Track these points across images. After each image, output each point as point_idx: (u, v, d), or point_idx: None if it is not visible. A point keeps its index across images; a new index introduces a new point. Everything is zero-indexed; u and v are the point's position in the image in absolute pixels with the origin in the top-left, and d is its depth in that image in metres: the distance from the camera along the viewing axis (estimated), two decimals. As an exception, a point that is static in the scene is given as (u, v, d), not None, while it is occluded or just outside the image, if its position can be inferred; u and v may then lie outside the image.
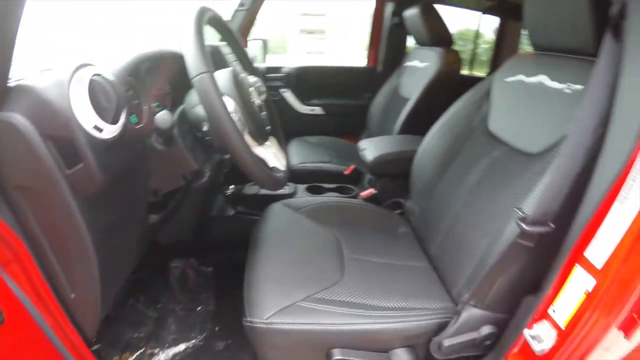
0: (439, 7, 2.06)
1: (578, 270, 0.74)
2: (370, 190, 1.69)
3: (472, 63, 3.07)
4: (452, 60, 1.94)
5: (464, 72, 2.93)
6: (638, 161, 0.66)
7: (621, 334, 0.76)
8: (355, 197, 1.79)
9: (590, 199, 0.73)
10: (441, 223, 1.18)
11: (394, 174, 1.65)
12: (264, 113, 1.12)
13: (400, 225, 1.37)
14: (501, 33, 2.82)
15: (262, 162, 1.01)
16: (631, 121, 0.67)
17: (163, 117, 0.92)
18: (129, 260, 1.02)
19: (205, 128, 0.99)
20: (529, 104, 1.05)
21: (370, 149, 1.67)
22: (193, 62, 0.85)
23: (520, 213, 0.80)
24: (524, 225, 0.76)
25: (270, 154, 1.09)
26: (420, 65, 2.06)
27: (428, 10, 2.02)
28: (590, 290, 0.72)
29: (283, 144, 1.29)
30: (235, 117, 0.93)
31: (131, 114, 0.89)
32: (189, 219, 1.41)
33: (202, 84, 0.84)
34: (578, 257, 0.75)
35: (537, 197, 0.84)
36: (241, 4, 2.15)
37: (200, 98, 0.85)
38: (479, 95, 1.25)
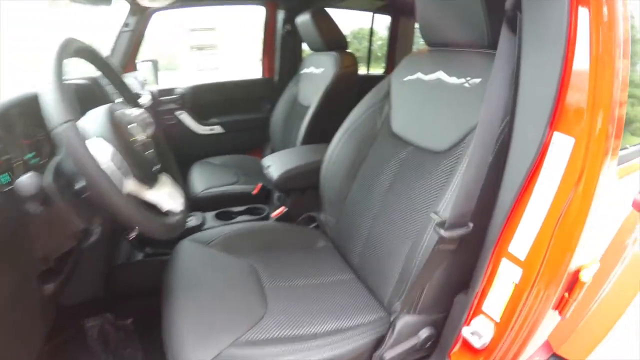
0: (331, 11, 2.04)
1: (504, 264, 0.74)
2: (282, 209, 1.60)
3: (369, 60, 3.13)
4: (348, 63, 1.93)
5: (362, 70, 2.99)
6: (551, 149, 0.66)
7: (556, 313, 0.77)
8: (267, 217, 1.70)
9: (506, 190, 0.72)
10: (359, 231, 1.14)
11: (303, 188, 1.58)
12: (151, 150, 0.99)
13: (318, 240, 1.31)
14: (394, 30, 2.92)
15: (153, 211, 0.88)
16: (536, 110, 0.67)
17: (24, 182, 0.74)
18: (33, 339, 0.85)
19: (81, 184, 0.82)
20: (430, 101, 1.05)
21: (274, 165, 1.58)
22: (51, 110, 0.70)
23: (437, 217, 0.77)
24: (442, 232, 0.73)
25: (164, 195, 0.96)
26: (317, 72, 2.03)
27: (319, 15, 1.99)
28: (517, 281, 0.71)
29: (179, 179, 1.15)
30: (113, 165, 0.80)
31: (2, 173, 0.74)
32: (93, 275, 1.24)
33: (65, 136, 0.69)
34: (502, 251, 0.74)
35: (451, 197, 0.83)
36: (125, 24, 1.97)
37: (66, 152, 0.71)
38: (378, 97, 1.24)
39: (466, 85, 0.95)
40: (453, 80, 0.99)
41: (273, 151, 2.28)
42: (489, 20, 0.86)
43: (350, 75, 1.93)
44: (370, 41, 3.03)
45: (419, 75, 1.11)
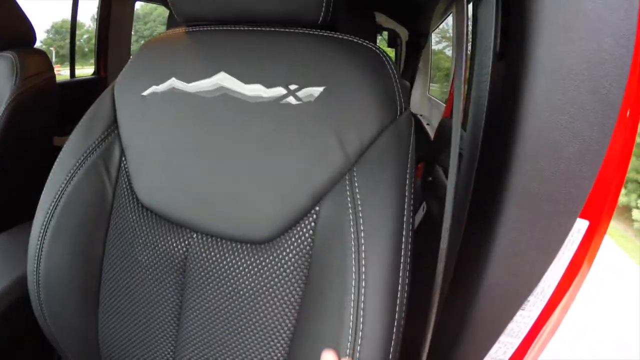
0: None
1: None
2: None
3: (72, 59, 2.06)
4: (36, 69, 1.16)
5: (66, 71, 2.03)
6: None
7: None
8: None
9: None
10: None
11: (17, 337, 0.78)
12: None
13: None
14: (104, 13, 2.03)
15: None
16: None
17: None
18: None
19: None
20: (213, 138, 0.53)
21: None
22: None
23: None
24: None
25: None
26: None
27: None
28: None
29: None
30: None
31: None
32: None
33: None
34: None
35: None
36: None
37: None
38: (96, 132, 0.61)
39: (290, 101, 0.47)
40: (256, 91, 0.49)
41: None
42: None
43: (42, 88, 1.18)
44: (73, 32, 2.08)
45: (174, 82, 0.56)
